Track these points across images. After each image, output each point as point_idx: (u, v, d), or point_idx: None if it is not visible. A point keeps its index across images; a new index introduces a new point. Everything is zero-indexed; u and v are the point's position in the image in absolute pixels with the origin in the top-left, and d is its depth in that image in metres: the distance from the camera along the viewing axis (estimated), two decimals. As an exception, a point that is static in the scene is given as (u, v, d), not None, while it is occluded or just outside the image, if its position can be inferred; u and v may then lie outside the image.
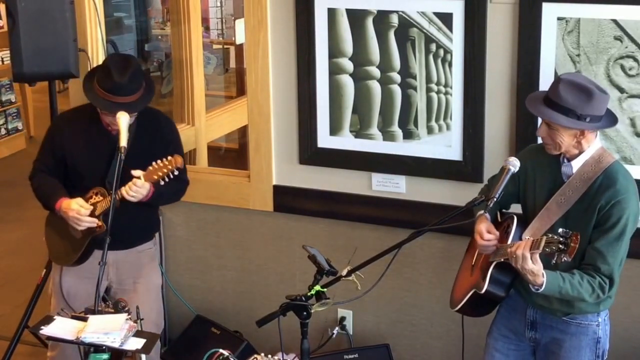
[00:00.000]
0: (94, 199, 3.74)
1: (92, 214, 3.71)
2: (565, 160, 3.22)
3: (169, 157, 3.60)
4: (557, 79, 3.18)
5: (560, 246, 2.87)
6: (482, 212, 3.37)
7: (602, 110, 3.15)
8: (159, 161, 3.60)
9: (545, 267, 3.04)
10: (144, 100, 3.77)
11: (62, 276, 3.93)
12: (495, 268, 3.25)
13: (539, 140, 3.63)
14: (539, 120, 3.57)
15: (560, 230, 2.92)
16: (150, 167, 3.60)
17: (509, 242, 3.23)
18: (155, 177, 3.59)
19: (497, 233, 3.30)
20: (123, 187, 3.62)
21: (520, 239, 3.23)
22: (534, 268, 3.02)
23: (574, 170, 3.20)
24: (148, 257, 4.04)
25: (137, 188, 3.61)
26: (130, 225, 3.79)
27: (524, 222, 3.32)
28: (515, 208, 3.49)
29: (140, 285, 3.96)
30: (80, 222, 3.71)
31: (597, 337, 3.27)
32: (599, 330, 3.27)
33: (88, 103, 3.85)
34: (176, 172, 3.60)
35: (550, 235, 2.94)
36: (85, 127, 3.85)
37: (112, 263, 3.91)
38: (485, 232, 3.29)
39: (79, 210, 3.70)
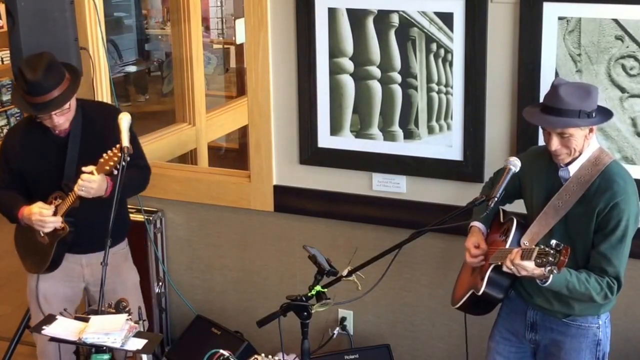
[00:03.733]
0: (54, 203, 3.72)
1: (55, 216, 3.69)
2: (561, 165, 3.22)
3: (118, 146, 3.52)
4: (554, 85, 3.17)
5: (551, 259, 2.86)
6: (475, 223, 3.42)
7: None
8: (108, 152, 3.53)
9: None
10: (69, 92, 3.64)
11: (38, 282, 3.89)
12: (494, 270, 3.25)
13: (540, 142, 3.63)
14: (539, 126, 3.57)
15: (552, 242, 2.90)
16: (101, 160, 3.54)
17: (507, 246, 3.25)
18: (107, 167, 3.52)
19: (485, 247, 3.33)
20: (75, 185, 3.58)
21: (519, 243, 3.24)
22: (535, 270, 3.00)
23: (571, 174, 3.20)
24: (122, 258, 4.00)
25: (86, 182, 3.54)
26: (101, 228, 3.66)
27: (524, 225, 3.32)
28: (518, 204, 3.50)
29: (118, 285, 3.91)
30: (44, 223, 3.67)
31: (597, 340, 3.27)
32: (599, 332, 3.27)
33: None
34: (128, 159, 3.51)
35: (542, 247, 2.92)
36: (34, 136, 3.78)
37: (86, 265, 3.89)
38: (473, 248, 3.34)
39: (41, 212, 3.66)
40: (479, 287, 3.26)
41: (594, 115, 3.12)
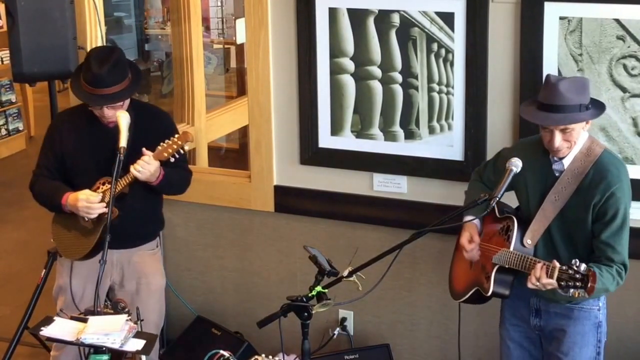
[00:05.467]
0: (102, 188, 3.75)
1: (102, 202, 3.72)
2: (556, 158, 3.25)
3: (177, 134, 3.66)
4: (551, 83, 3.18)
5: (579, 284, 2.91)
6: (468, 217, 3.44)
7: None
8: (167, 140, 3.66)
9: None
10: (128, 91, 3.75)
11: (72, 278, 3.91)
12: (498, 271, 3.29)
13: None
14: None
15: (574, 262, 2.94)
16: (159, 147, 3.66)
17: (511, 248, 3.27)
18: (165, 154, 3.65)
19: (478, 240, 3.39)
20: (132, 165, 3.65)
21: (522, 243, 3.27)
22: (552, 282, 3.03)
23: (565, 167, 3.24)
24: (153, 258, 4.03)
25: (145, 163, 3.64)
26: (136, 224, 3.78)
27: (523, 222, 3.33)
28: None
29: (143, 286, 3.95)
30: (91, 209, 3.70)
31: (598, 321, 3.33)
32: (600, 314, 3.33)
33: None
34: (186, 147, 3.67)
35: (564, 268, 2.96)
36: (83, 125, 3.85)
37: (117, 263, 3.91)
38: (467, 243, 3.40)
39: (88, 198, 3.70)
40: (486, 288, 3.32)
41: (590, 107, 3.18)
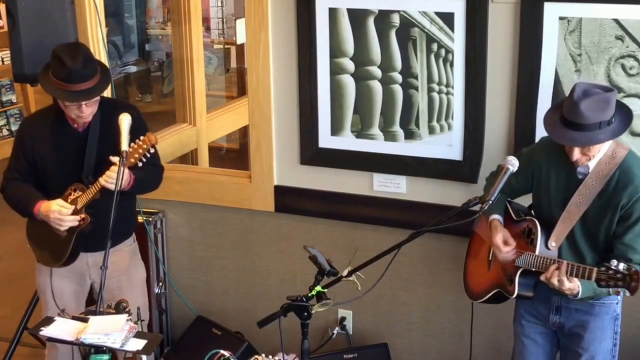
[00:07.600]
0: (73, 195, 3.71)
1: (74, 212, 3.69)
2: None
3: (142, 137, 3.57)
4: (573, 100, 3.10)
5: (619, 282, 2.93)
6: (495, 216, 3.43)
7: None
8: (132, 143, 3.57)
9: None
10: (102, 86, 3.68)
11: (52, 277, 3.89)
12: (522, 274, 3.31)
13: (538, 138, 3.62)
14: (538, 118, 3.58)
15: (616, 263, 2.94)
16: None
17: (537, 252, 3.27)
18: (132, 159, 3.56)
19: (514, 243, 3.36)
20: (100, 178, 3.59)
21: (547, 246, 3.27)
22: (571, 286, 3.12)
23: (590, 170, 3.23)
24: (129, 254, 4.00)
25: (113, 173, 3.56)
26: (109, 226, 3.62)
27: (544, 224, 3.33)
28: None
29: (123, 282, 3.93)
30: (62, 222, 3.67)
31: (616, 315, 3.36)
32: (617, 307, 3.37)
33: (52, 103, 3.81)
34: (152, 150, 3.57)
35: (603, 269, 2.97)
36: (52, 128, 3.79)
37: (92, 265, 3.89)
38: (502, 244, 3.36)
39: (60, 211, 3.66)
40: (510, 291, 3.34)
41: (613, 120, 3.13)
